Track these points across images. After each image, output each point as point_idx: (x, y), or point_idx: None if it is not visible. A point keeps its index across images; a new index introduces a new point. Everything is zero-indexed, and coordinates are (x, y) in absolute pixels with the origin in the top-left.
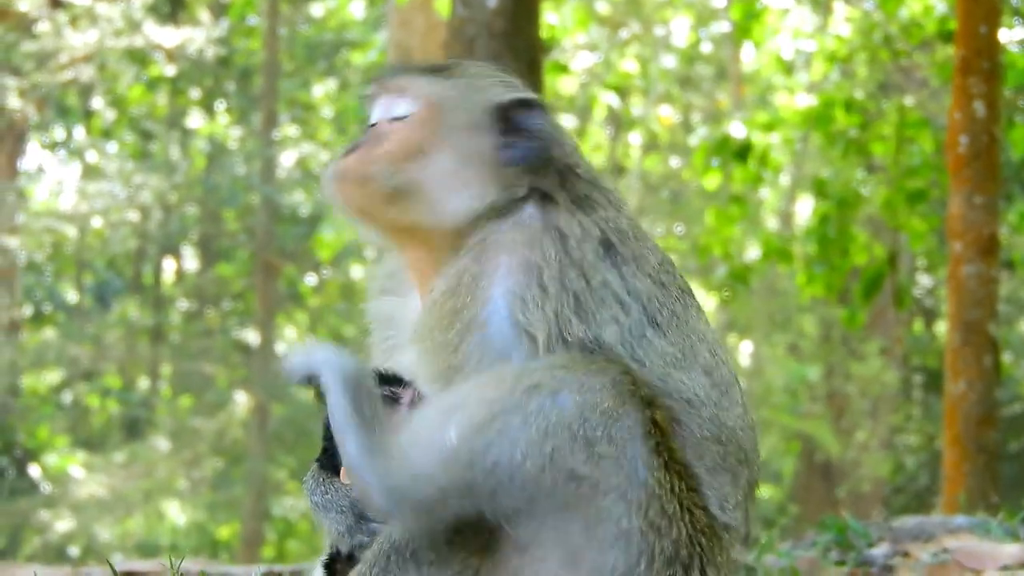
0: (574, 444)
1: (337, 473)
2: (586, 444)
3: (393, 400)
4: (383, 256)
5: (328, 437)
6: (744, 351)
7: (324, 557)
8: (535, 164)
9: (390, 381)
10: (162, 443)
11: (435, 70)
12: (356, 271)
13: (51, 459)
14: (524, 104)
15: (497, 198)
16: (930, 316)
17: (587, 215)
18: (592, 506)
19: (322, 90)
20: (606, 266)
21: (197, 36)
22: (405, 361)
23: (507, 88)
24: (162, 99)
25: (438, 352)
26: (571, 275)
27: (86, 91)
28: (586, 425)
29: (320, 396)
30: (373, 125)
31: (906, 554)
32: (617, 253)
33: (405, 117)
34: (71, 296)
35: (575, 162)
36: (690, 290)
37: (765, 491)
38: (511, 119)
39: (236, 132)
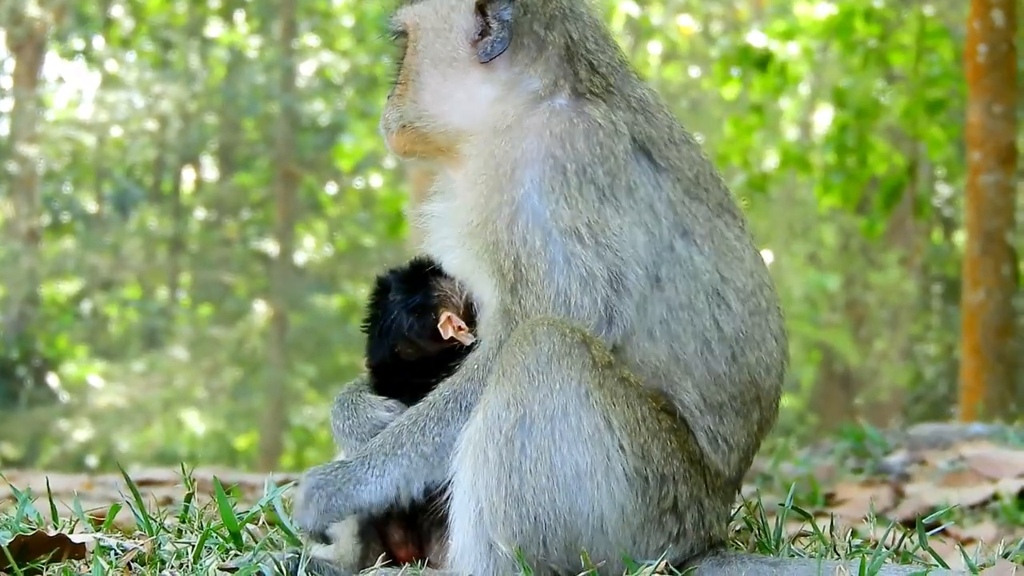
0: None
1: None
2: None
3: (446, 299)
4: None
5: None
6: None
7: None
8: (526, 56)
9: (444, 277)
10: (181, 353)
11: None
12: (376, 180)
13: (70, 369)
14: None
15: (508, 100)
16: (949, 225)
17: (616, 112)
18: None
19: None
20: (635, 168)
21: None
22: (455, 262)
23: None
24: (181, 8)
25: (477, 234)
26: (597, 172)
27: (105, 0)
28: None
29: None
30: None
31: (923, 462)
32: (649, 158)
33: (406, 50)
34: (90, 205)
35: (601, 61)
36: (733, 208)
37: (784, 400)
38: (487, 15)
39: (255, 41)
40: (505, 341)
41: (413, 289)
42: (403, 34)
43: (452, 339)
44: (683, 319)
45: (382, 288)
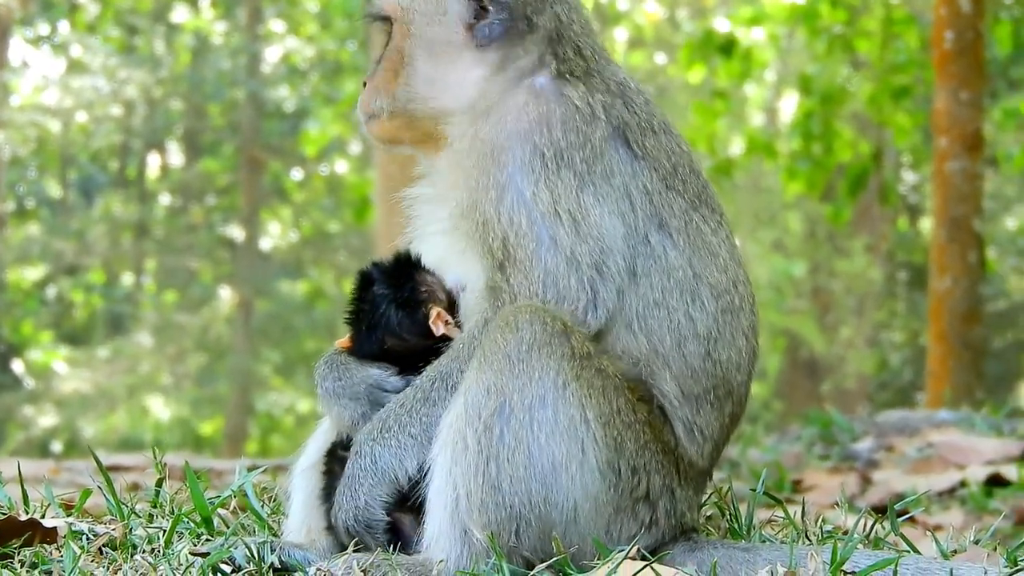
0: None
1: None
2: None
3: (433, 294)
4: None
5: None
6: None
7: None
8: (517, 37)
9: (427, 272)
10: (146, 339)
11: None
12: (341, 166)
13: (35, 354)
14: None
15: (494, 80)
16: (915, 212)
17: (594, 95)
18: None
19: None
20: (613, 155)
21: None
22: (444, 243)
23: None
24: None
25: (467, 215)
26: (574, 158)
27: None
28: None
29: None
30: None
31: (890, 448)
32: (627, 145)
33: (390, 35)
34: (55, 191)
35: (585, 44)
36: (712, 201)
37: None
38: None
39: (221, 27)
40: (491, 319)
41: (399, 283)
42: (386, 19)
43: (444, 335)
44: (659, 315)
45: (366, 282)
